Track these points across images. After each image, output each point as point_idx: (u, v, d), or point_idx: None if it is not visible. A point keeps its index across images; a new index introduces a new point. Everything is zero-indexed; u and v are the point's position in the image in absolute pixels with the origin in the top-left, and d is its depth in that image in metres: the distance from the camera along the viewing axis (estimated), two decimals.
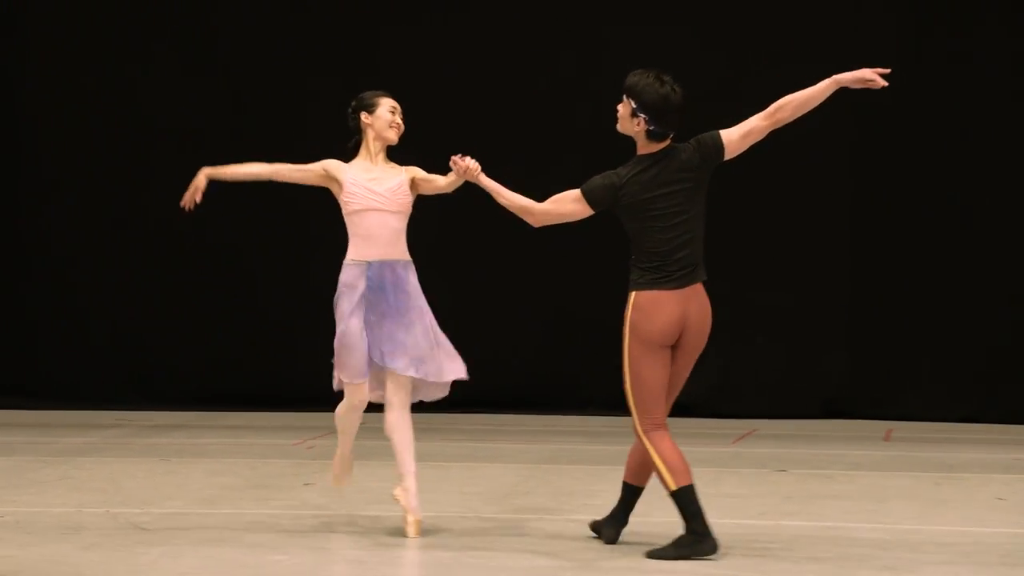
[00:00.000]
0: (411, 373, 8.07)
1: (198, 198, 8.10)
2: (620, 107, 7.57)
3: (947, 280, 13.13)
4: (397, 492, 8.14)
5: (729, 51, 13.40)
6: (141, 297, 14.15)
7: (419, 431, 11.90)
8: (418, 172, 8.09)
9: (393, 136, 8.11)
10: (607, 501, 8.81)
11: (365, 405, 8.23)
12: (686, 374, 7.67)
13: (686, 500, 7.47)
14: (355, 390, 8.17)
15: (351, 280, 8.06)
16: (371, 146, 8.13)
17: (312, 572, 7.42)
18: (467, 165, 7.78)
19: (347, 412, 8.29)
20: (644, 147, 7.56)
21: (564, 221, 7.76)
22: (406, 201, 8.05)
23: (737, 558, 7.78)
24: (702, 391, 13.18)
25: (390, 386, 8.11)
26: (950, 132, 13.31)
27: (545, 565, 7.59)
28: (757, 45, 13.43)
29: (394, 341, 8.04)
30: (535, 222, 7.75)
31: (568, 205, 7.64)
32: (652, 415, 7.52)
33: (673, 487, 7.45)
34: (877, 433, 12.21)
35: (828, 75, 7.42)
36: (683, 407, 13.08)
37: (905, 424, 12.65)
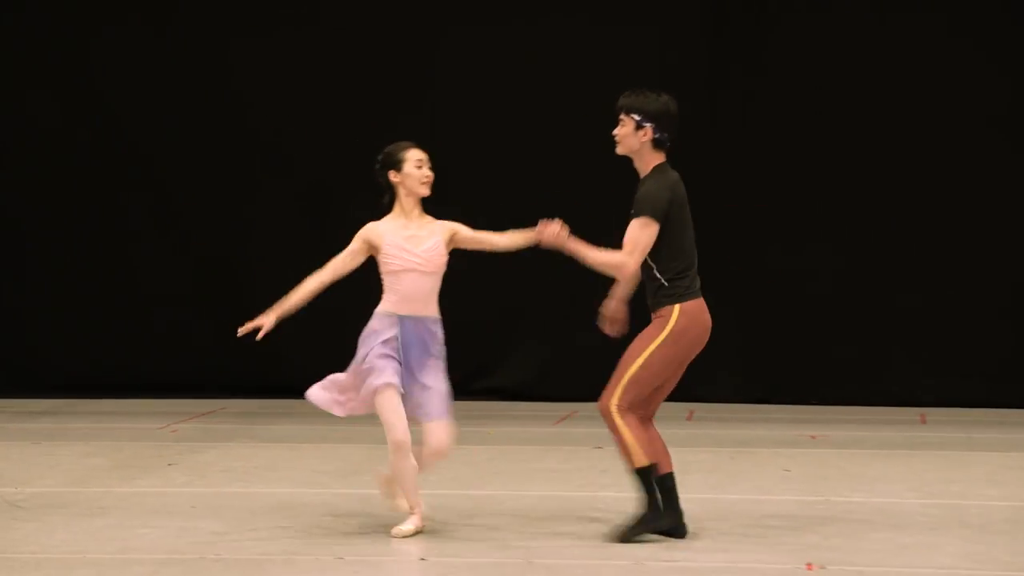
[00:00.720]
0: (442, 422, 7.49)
1: (259, 336, 7.53)
2: (618, 129, 7.27)
3: (730, 272, 13.04)
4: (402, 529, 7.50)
5: None
6: (10, 286, 13.73)
7: (278, 415, 11.84)
8: (461, 230, 7.52)
9: (425, 191, 7.47)
10: (447, 475, 8.81)
11: (409, 444, 7.42)
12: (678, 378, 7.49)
13: (647, 479, 7.28)
14: (393, 432, 7.40)
15: (382, 327, 7.45)
16: (404, 203, 7.48)
17: (174, 545, 7.32)
18: (556, 231, 7.26)
19: (402, 461, 7.43)
20: (652, 158, 7.27)
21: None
22: (441, 262, 7.45)
23: (564, 523, 7.86)
24: (529, 378, 13.17)
25: (435, 430, 7.50)
26: None
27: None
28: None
29: (428, 389, 7.48)
30: (629, 272, 7.27)
31: (645, 237, 7.16)
32: (631, 398, 7.28)
33: (637, 465, 7.26)
34: (681, 414, 12.25)
35: None
36: (511, 392, 13.15)
37: (705, 405, 12.61)
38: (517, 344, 13.22)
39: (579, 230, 7.39)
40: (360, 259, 7.48)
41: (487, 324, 13.13)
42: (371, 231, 7.45)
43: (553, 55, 13.28)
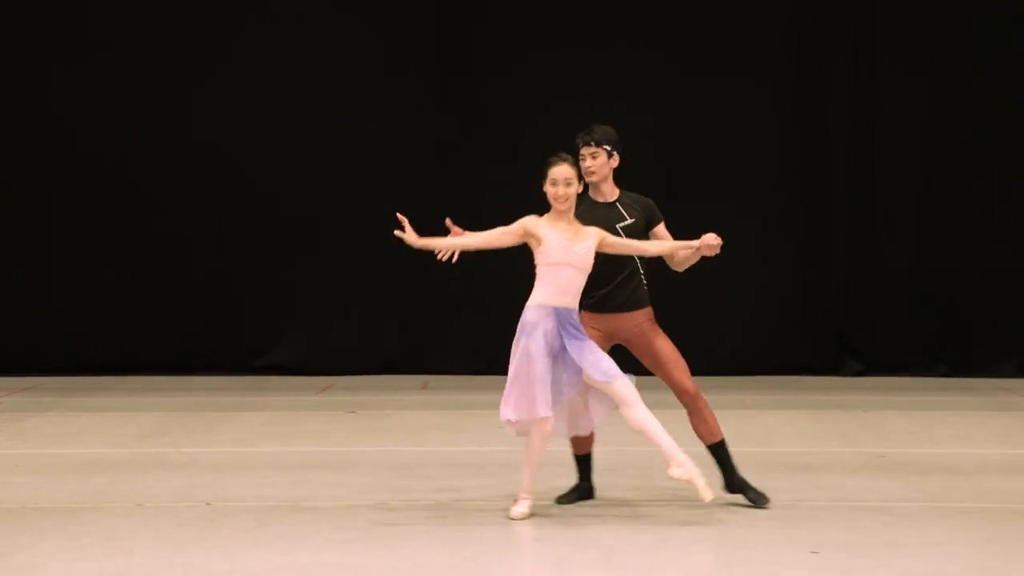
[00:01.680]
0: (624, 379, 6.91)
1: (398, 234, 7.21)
2: (592, 161, 7.09)
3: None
4: (675, 471, 6.91)
5: None
6: None
7: (88, 390, 11.67)
8: (607, 236, 7.02)
9: (560, 207, 6.95)
10: (231, 436, 8.98)
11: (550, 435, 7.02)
12: None
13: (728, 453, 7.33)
14: (543, 423, 6.93)
15: (538, 319, 6.90)
16: (553, 210, 7.03)
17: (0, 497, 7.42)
18: (717, 243, 7.18)
19: (540, 444, 7.01)
20: (610, 183, 7.20)
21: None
22: (592, 262, 6.98)
23: (328, 472, 8.08)
24: (297, 356, 13.20)
25: (617, 392, 6.89)
26: None
27: (185, 483, 7.80)
28: None
29: (585, 363, 6.87)
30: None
31: (491, 236, 7.08)
32: None
33: (721, 436, 7.35)
34: (417, 384, 12.46)
35: None
36: (283, 367, 13.09)
37: (439, 377, 12.81)
38: (287, 328, 13.30)
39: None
40: (512, 241, 6.99)
41: (263, 310, 13.20)
42: (533, 223, 6.96)
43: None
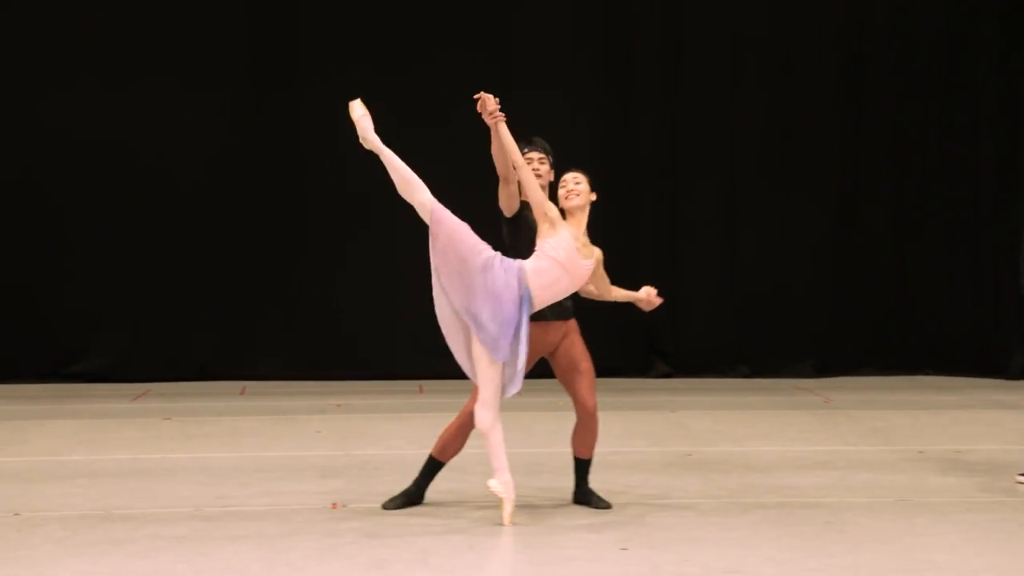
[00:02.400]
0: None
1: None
2: (579, 186, 7.12)
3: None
4: (493, 485, 6.96)
5: None
6: None
7: None
8: (601, 263, 7.28)
9: (566, 204, 7.05)
10: (39, 445, 8.76)
11: None
12: None
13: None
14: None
15: (519, 285, 6.87)
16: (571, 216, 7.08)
17: None
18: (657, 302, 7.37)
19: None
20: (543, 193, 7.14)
21: (526, 190, 6.96)
22: (583, 283, 7.19)
23: (142, 480, 7.86)
24: (112, 363, 12.93)
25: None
26: None
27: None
28: None
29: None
30: (520, 171, 6.93)
31: (540, 194, 6.97)
32: None
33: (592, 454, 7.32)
34: (235, 390, 12.33)
35: None
36: (97, 374, 12.83)
37: (257, 383, 12.68)
38: (101, 334, 13.02)
39: None
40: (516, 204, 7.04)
41: (77, 316, 12.92)
42: (558, 215, 6.91)
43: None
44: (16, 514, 7.16)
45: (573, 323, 7.35)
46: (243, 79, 13.07)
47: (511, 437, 8.90)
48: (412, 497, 7.32)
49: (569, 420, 10.49)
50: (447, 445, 7.22)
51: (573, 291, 7.01)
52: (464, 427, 7.19)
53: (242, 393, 12.27)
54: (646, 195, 13.42)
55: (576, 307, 13.13)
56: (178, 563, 6.19)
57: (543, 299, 6.87)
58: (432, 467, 7.29)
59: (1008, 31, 13.31)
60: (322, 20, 13.12)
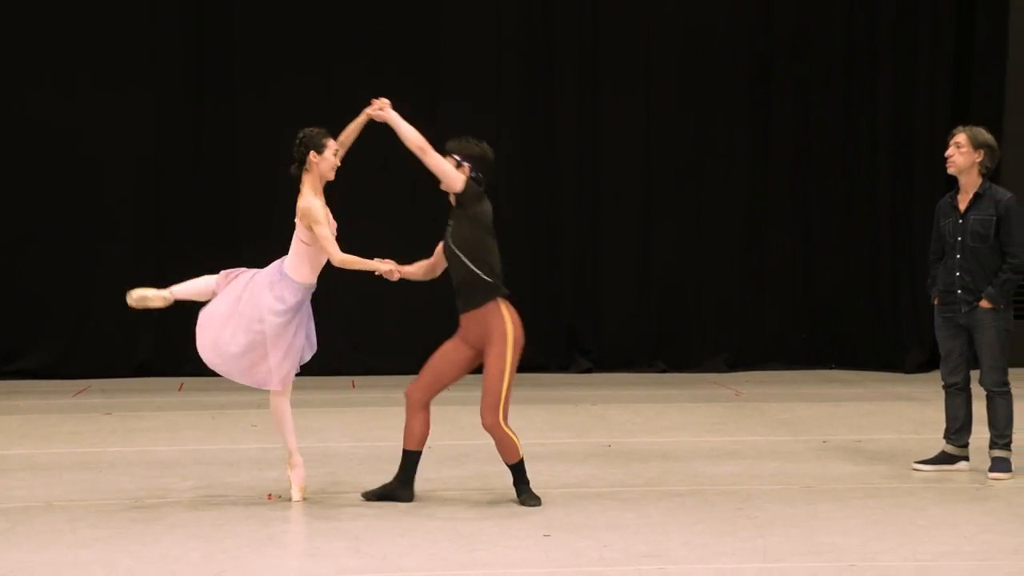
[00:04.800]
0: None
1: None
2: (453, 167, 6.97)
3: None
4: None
5: None
6: None
7: None
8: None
9: (332, 176, 7.06)
10: None
11: None
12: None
13: (522, 470, 7.14)
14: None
15: (302, 300, 7.09)
16: (317, 183, 7.00)
17: None
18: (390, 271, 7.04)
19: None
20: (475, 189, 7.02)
21: (435, 173, 6.94)
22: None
23: (82, 472, 7.80)
24: (51, 360, 12.77)
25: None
26: None
27: None
28: None
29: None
30: (423, 154, 6.94)
31: (449, 170, 6.95)
32: (507, 408, 7.03)
33: (517, 459, 7.09)
34: (173, 386, 12.21)
35: None
36: (36, 372, 12.66)
37: (195, 379, 12.51)
38: (41, 332, 12.82)
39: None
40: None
41: (13, 314, 12.73)
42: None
43: None
44: None
45: (499, 327, 7.01)
46: (182, 80, 12.93)
47: (439, 429, 8.92)
48: (389, 491, 7.17)
49: None
50: (407, 433, 7.15)
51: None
52: (411, 410, 7.11)
53: (180, 389, 12.15)
54: (567, 199, 13.45)
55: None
56: (118, 553, 6.14)
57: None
58: (406, 459, 7.17)
59: (902, 46, 13.49)
60: (255, 29, 13.02)
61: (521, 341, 7.05)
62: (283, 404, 7.18)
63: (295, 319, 7.05)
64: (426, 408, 7.13)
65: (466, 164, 7.04)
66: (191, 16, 12.95)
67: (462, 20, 13.25)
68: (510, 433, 7.00)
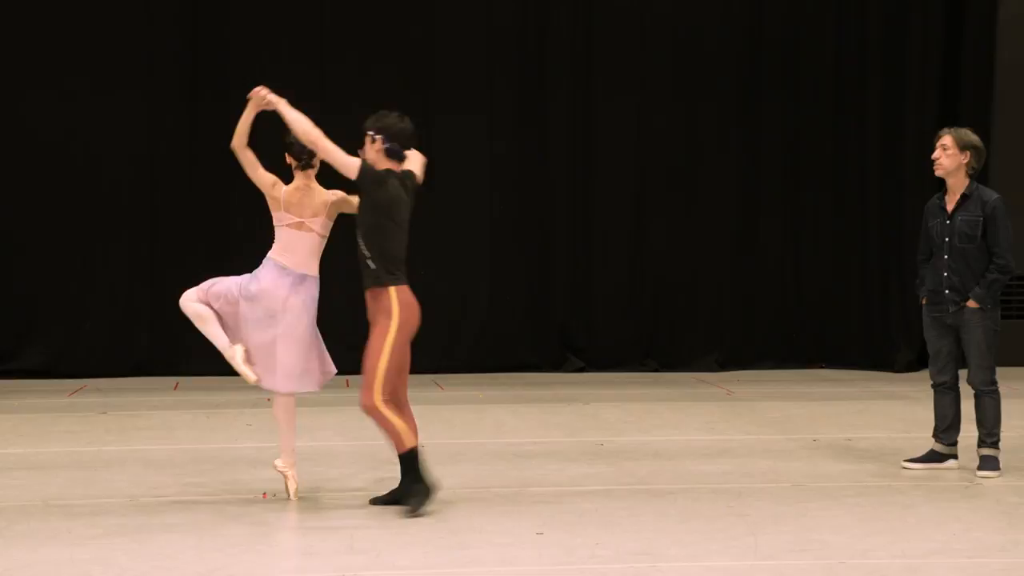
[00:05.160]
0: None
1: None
2: (364, 148, 6.87)
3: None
4: (278, 463, 7.26)
5: None
6: None
7: None
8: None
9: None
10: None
11: None
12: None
13: (413, 459, 6.82)
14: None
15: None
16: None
17: None
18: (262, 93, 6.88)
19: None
20: (384, 163, 6.86)
21: (330, 162, 6.83)
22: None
23: (78, 471, 7.79)
24: (47, 360, 12.74)
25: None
26: None
27: None
28: None
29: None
30: (314, 146, 6.83)
31: (341, 157, 6.79)
32: (389, 389, 6.74)
33: (407, 447, 6.79)
34: (169, 385, 12.21)
35: None
36: (32, 371, 12.63)
37: (190, 378, 12.51)
38: (37, 332, 12.77)
39: None
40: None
41: (9, 314, 12.70)
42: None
43: None
44: None
45: (385, 308, 6.77)
46: (177, 80, 12.92)
47: (432, 428, 8.96)
48: (396, 495, 7.01)
49: (486, 412, 10.55)
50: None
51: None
52: (396, 409, 6.89)
53: (175, 388, 12.14)
54: (559, 199, 13.46)
55: (491, 306, 13.41)
56: (114, 551, 6.14)
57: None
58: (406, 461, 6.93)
59: (891, 47, 13.51)
60: (249, 30, 13.01)
61: (410, 325, 6.78)
62: (293, 401, 7.21)
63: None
64: (402, 404, 6.93)
65: (379, 136, 6.86)
66: (187, 18, 12.95)
67: (455, 20, 13.25)
68: (389, 416, 6.72)
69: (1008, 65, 13.52)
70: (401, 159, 6.91)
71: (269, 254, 7.15)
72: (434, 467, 8.08)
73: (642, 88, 13.46)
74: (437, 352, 12.95)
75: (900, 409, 10.82)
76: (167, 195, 12.94)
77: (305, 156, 7.06)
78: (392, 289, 6.75)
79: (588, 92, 13.43)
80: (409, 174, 6.97)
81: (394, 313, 6.72)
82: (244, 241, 13.26)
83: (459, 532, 6.53)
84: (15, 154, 12.76)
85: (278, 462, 7.21)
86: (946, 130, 8.11)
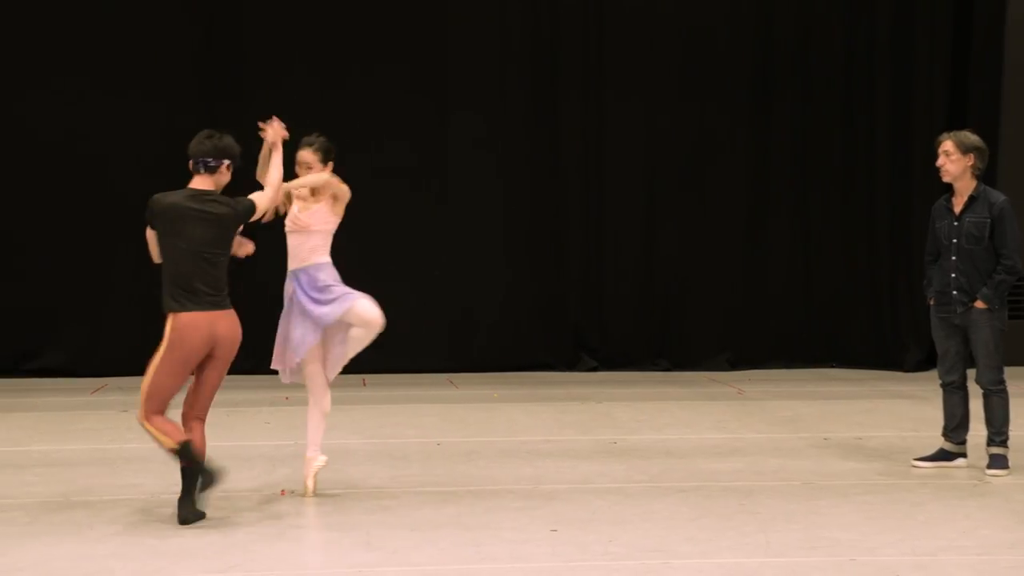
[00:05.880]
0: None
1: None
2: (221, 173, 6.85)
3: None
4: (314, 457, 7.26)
5: None
6: None
7: None
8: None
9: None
10: (2, 436, 8.63)
11: None
12: (218, 379, 6.86)
13: (186, 451, 6.66)
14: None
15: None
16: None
17: None
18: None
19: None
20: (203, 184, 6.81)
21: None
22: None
23: (99, 468, 7.81)
24: (69, 359, 12.78)
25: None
26: None
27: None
28: None
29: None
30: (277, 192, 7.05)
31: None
32: (154, 406, 6.69)
33: (170, 446, 6.66)
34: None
35: None
36: (55, 370, 12.69)
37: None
38: (59, 331, 12.83)
39: None
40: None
41: (34, 313, 12.72)
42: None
43: None
44: None
45: (171, 319, 6.71)
46: (196, 83, 12.95)
47: (446, 427, 8.96)
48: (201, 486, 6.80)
49: (500, 411, 10.55)
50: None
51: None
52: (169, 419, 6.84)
53: None
54: (572, 201, 13.46)
55: (505, 306, 13.42)
56: (134, 547, 6.15)
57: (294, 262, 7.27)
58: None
59: (900, 48, 13.48)
60: (266, 36, 13.04)
61: (179, 346, 6.64)
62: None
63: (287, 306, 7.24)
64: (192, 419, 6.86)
65: (227, 161, 6.88)
66: (203, 22, 12.97)
67: (468, 24, 13.25)
68: (151, 428, 6.64)
69: (1016, 65, 13.48)
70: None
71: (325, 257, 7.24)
72: (448, 465, 8.11)
73: (652, 89, 13.44)
74: (451, 351, 12.96)
75: (909, 408, 10.78)
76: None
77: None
78: (173, 315, 6.67)
79: (599, 93, 13.41)
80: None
81: (165, 335, 6.69)
82: (264, 243, 13.33)
83: (473, 529, 6.53)
84: (36, 155, 12.78)
85: (317, 457, 7.30)
86: (946, 135, 8.09)
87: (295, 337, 7.15)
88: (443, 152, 13.20)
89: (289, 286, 7.21)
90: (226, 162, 6.84)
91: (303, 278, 7.17)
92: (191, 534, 6.35)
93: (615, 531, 6.47)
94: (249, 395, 11.27)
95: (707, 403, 11.12)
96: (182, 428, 6.72)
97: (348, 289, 7.16)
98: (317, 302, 7.11)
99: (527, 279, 13.42)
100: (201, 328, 6.64)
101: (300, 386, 9.73)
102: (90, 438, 9.28)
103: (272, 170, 6.96)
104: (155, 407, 6.70)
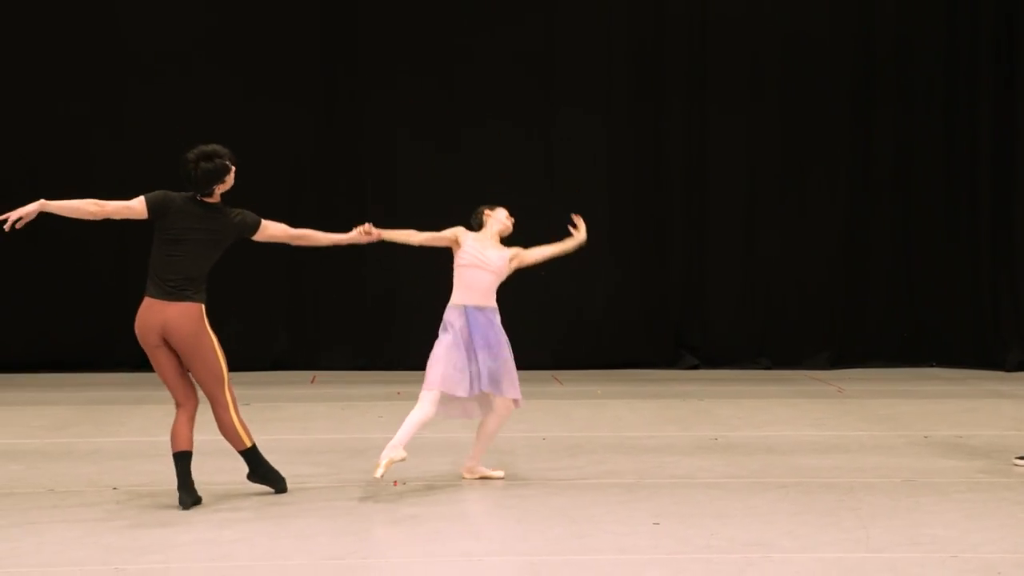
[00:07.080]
0: (511, 395, 7.40)
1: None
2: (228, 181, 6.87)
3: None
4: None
5: None
6: None
7: (2, 386, 11.25)
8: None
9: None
10: (136, 426, 8.80)
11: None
12: (198, 373, 6.95)
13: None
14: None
15: (454, 320, 7.36)
16: (490, 231, 7.54)
17: None
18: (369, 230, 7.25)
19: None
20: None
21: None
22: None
23: (223, 458, 7.96)
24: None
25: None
26: None
27: (93, 470, 7.61)
28: None
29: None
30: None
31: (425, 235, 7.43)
32: (175, 398, 6.95)
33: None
34: (306, 379, 12.33)
35: None
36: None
37: (325, 372, 12.65)
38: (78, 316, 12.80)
39: None
40: (446, 239, 7.45)
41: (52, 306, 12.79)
42: (461, 230, 7.51)
43: None
44: (114, 488, 7.25)
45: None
46: (321, 83, 13.02)
47: (551, 422, 8.95)
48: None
49: (604, 407, 10.55)
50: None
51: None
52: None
53: (312, 382, 12.26)
54: (675, 201, 13.39)
55: (608, 305, 13.36)
56: (257, 534, 6.26)
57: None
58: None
59: (1005, 56, 13.21)
60: (379, 35, 13.10)
61: (137, 331, 6.84)
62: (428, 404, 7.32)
63: (449, 337, 7.28)
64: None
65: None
66: (316, 20, 13.01)
67: (576, 27, 13.25)
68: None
69: None
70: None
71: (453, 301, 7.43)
72: (553, 459, 8.12)
73: (756, 94, 13.33)
74: (556, 349, 12.97)
75: (1011, 407, 10.56)
76: (309, 197, 12.99)
77: None
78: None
79: (702, 98, 13.33)
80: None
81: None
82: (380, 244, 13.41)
83: (578, 521, 6.53)
84: (129, 157, 12.67)
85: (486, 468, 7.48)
86: None
87: (509, 370, 7.33)
88: (549, 153, 13.19)
89: (459, 319, 7.25)
90: (228, 177, 6.88)
91: (480, 318, 7.30)
92: (309, 522, 6.43)
93: (716, 525, 6.43)
94: (363, 390, 11.36)
95: (807, 401, 10.99)
96: (182, 437, 6.87)
97: (511, 358, 7.39)
98: (499, 357, 7.35)
99: (630, 279, 13.38)
100: (149, 313, 6.69)
101: (414, 382, 9.90)
102: (214, 429, 9.11)
103: (322, 238, 7.19)
104: (176, 399, 6.91)
